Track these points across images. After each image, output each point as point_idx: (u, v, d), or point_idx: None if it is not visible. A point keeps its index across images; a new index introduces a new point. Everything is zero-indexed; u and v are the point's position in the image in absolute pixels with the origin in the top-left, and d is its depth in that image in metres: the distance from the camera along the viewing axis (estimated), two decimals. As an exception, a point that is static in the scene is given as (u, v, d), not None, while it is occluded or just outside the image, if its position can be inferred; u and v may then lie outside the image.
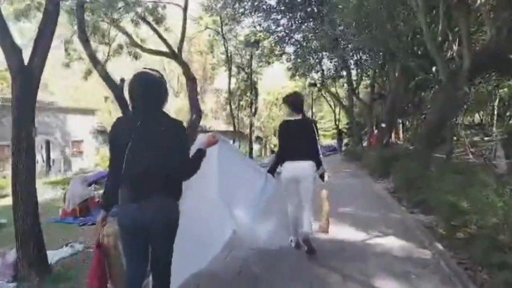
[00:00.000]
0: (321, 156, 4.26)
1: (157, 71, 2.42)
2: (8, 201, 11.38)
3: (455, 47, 10.06)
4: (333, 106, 36.18)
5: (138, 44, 10.83)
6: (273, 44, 23.70)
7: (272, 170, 4.24)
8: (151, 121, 2.27)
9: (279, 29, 22.36)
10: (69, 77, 20.01)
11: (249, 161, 4.44)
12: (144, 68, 2.40)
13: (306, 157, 4.13)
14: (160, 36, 10.50)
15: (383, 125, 15.97)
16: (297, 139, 4.17)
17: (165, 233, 2.30)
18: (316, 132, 4.23)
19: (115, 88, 6.59)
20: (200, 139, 2.71)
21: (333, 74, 24.05)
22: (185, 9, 10.83)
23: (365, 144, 26.69)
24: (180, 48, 10.53)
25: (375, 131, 19.12)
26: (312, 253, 4.13)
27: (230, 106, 20.84)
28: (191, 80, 10.53)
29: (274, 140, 53.06)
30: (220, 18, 19.31)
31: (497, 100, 16.05)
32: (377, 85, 25.70)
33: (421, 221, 5.77)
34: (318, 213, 4.56)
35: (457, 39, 10.14)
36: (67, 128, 24.31)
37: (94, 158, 25.14)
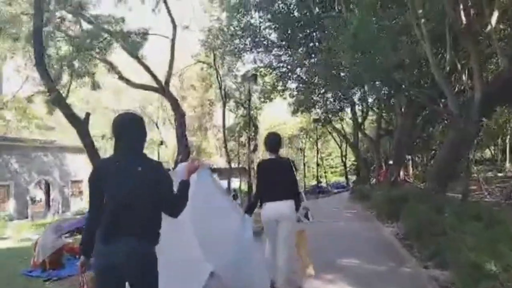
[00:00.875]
0: (302, 195, 4.35)
1: (135, 113, 2.55)
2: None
3: (464, 78, 9.38)
4: (339, 143, 35.46)
5: (125, 78, 10.35)
6: (275, 80, 23.41)
7: (249, 210, 4.24)
8: (128, 161, 2.28)
9: (280, 64, 22.15)
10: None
11: (226, 198, 4.20)
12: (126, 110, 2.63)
13: (285, 196, 4.10)
14: (149, 70, 10.01)
15: (391, 162, 15.07)
16: (275, 178, 4.15)
17: (140, 278, 2.22)
18: (293, 171, 4.25)
19: (79, 123, 5.94)
20: (180, 171, 2.70)
21: (338, 109, 23.42)
22: (172, 40, 10.40)
23: (373, 181, 25.71)
24: (167, 81, 9.97)
25: (383, 168, 18.18)
26: None
27: (225, 142, 20.04)
28: (179, 114, 9.87)
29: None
30: (213, 51, 18.95)
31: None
32: (383, 120, 25.11)
33: (437, 279, 4.78)
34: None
35: (467, 70, 9.48)
36: (66, 168, 23.73)
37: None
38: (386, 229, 9.12)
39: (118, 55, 10.19)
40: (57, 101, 6.92)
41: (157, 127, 26.24)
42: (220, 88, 19.08)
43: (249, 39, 19.65)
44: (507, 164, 31.80)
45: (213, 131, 28.09)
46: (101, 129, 20.96)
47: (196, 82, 24.02)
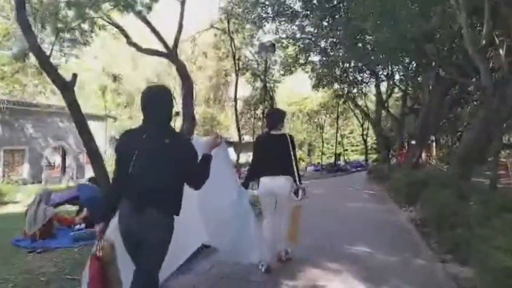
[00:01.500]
0: (299, 172, 4.30)
1: (166, 86, 2.63)
2: (9, 208, 10.94)
3: (502, 53, 8.39)
4: (361, 120, 34.33)
5: (134, 43, 9.80)
6: (297, 52, 22.42)
7: (246, 184, 4.22)
8: (156, 134, 2.29)
9: (304, 36, 21.12)
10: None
11: (232, 173, 4.06)
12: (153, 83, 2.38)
13: (283, 172, 4.14)
14: (157, 34, 9.41)
15: (413, 142, 14.23)
16: (272, 153, 4.20)
17: (153, 249, 2.28)
18: (292, 147, 4.25)
19: (65, 86, 5.43)
20: (202, 143, 2.68)
21: (360, 82, 22.33)
22: (182, 3, 9.71)
23: (393, 161, 24.75)
24: (175, 46, 9.35)
25: (405, 148, 17.30)
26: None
27: (236, 116, 19.02)
28: (186, 80, 9.27)
29: (298, 154, 51.76)
30: (228, 16, 17.95)
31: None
32: (409, 98, 23.91)
33: (456, 276, 4.22)
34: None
35: (505, 45, 8.46)
36: (81, 135, 23.73)
37: (109, 166, 24.47)
38: (403, 213, 8.54)
39: (127, 20, 9.62)
40: (22, 56, 6.37)
41: (173, 98, 25.71)
42: (234, 57, 17.95)
43: (271, 7, 18.65)
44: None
45: (230, 102, 27.26)
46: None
47: (211, 50, 22.92)
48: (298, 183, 4.22)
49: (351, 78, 22.60)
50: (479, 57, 8.21)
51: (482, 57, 8.22)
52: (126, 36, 9.54)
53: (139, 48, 9.87)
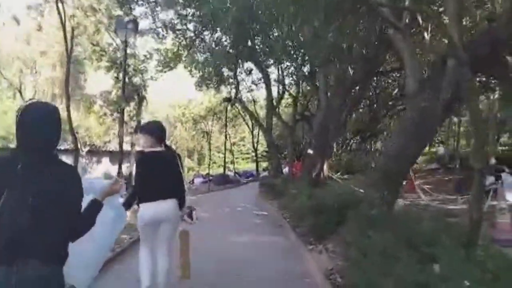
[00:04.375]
0: (186, 194, 3.98)
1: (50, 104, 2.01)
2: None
3: (427, 37, 6.57)
4: (251, 127, 32.51)
5: None
6: (178, 47, 19.23)
7: (128, 204, 3.72)
8: (36, 164, 1.75)
9: (184, 27, 18.06)
10: None
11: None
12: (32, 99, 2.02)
13: (168, 195, 3.67)
14: None
15: (310, 151, 12.25)
16: (155, 174, 3.66)
17: None
18: (180, 166, 3.86)
19: None
20: (96, 184, 2.19)
21: (250, 87, 20.30)
22: None
23: (285, 170, 23.13)
24: None
25: (299, 159, 15.42)
26: None
27: (69, 119, 13.20)
28: None
29: (188, 163, 48.30)
30: None
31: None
32: (299, 104, 22.75)
33: None
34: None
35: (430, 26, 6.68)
36: None
37: None
38: (312, 256, 5.94)
39: None
40: None
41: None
42: (64, 28, 12.41)
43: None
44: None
45: (89, 99, 20.91)
46: None
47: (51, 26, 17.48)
48: (186, 206, 3.94)
49: (239, 79, 20.33)
50: (400, 37, 6.21)
51: (406, 37, 6.21)
52: None
53: None
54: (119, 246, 5.93)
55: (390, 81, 24.01)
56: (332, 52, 10.20)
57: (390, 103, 27.66)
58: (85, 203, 1.91)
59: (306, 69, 15.67)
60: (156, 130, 3.83)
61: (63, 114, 25.10)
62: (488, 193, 9.95)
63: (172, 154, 3.87)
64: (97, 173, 18.59)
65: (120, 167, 8.67)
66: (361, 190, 6.47)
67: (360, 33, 8.84)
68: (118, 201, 2.99)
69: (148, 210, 3.64)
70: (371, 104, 26.44)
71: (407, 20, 6.44)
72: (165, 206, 3.64)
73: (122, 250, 5.92)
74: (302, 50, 12.68)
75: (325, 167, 10.42)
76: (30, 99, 2.05)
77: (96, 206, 1.97)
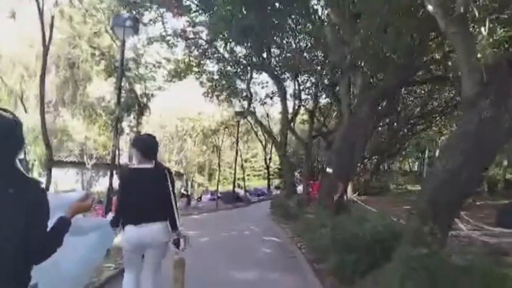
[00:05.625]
0: (177, 216, 3.39)
1: (9, 111, 1.69)
2: None
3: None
4: (263, 142, 31.20)
5: None
6: (189, 57, 18.26)
7: (116, 221, 3.30)
8: None
9: (197, 36, 17.11)
10: None
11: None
12: None
13: (155, 218, 3.30)
14: None
15: (330, 170, 10.86)
16: (142, 194, 3.31)
17: None
18: (171, 184, 3.40)
19: None
20: (63, 200, 2.04)
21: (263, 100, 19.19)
22: None
23: (299, 188, 21.62)
24: None
25: (316, 179, 14.01)
26: None
27: (43, 123, 11.16)
28: None
29: (198, 178, 47.16)
30: None
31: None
32: (316, 120, 21.52)
33: None
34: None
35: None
36: None
37: None
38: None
39: None
40: None
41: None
42: (42, 23, 10.38)
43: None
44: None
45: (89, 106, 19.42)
46: None
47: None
48: (178, 230, 3.36)
49: (252, 92, 19.26)
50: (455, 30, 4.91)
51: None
52: None
53: None
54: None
55: (412, 98, 22.68)
56: (358, 57, 8.99)
57: (412, 121, 26.28)
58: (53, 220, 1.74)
59: (325, 80, 14.48)
60: (145, 145, 3.49)
61: (69, 123, 23.24)
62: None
63: (161, 171, 3.48)
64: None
65: (111, 183, 7.46)
66: (401, 220, 5.05)
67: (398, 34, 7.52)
68: (103, 220, 3.00)
69: (131, 233, 3.31)
70: (390, 122, 25.04)
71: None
72: (151, 230, 3.30)
73: (107, 278, 5.10)
74: (322, 59, 11.47)
75: (349, 189, 9.00)
76: None
77: (63, 224, 1.79)
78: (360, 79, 8.64)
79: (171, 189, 3.40)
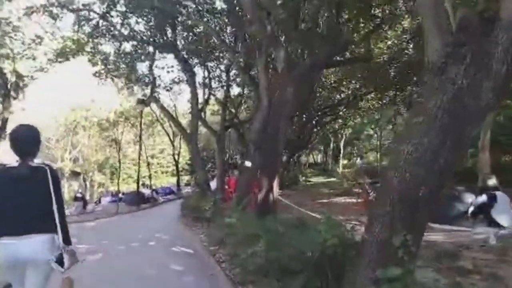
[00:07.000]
0: (66, 225, 2.80)
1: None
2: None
3: None
4: (171, 136, 28.78)
5: None
6: (79, 34, 15.29)
7: None
8: None
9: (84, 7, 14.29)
10: None
11: None
12: None
13: (35, 229, 2.68)
14: None
15: (248, 163, 9.51)
16: (16, 200, 2.68)
17: None
18: (53, 185, 2.76)
19: None
20: None
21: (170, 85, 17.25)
22: None
23: (212, 183, 19.99)
24: None
25: (234, 174, 12.57)
26: None
27: None
28: None
29: (98, 177, 42.56)
30: None
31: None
32: (228, 111, 20.18)
33: None
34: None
35: None
36: None
37: None
38: None
39: None
40: None
41: None
42: None
43: None
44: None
45: None
46: None
47: None
48: (63, 243, 2.75)
49: (155, 76, 17.08)
50: None
51: None
52: None
53: None
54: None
55: (320, 89, 22.56)
56: (281, 29, 7.65)
57: (319, 113, 26.38)
58: None
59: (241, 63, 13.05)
60: (21, 139, 2.86)
61: None
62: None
63: (42, 171, 2.81)
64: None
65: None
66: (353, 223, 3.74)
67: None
68: None
69: (6, 249, 2.65)
70: (300, 113, 24.80)
71: None
72: (30, 244, 2.66)
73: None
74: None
75: (274, 186, 7.54)
76: None
77: None
78: (283, 54, 7.31)
79: (52, 190, 2.76)
